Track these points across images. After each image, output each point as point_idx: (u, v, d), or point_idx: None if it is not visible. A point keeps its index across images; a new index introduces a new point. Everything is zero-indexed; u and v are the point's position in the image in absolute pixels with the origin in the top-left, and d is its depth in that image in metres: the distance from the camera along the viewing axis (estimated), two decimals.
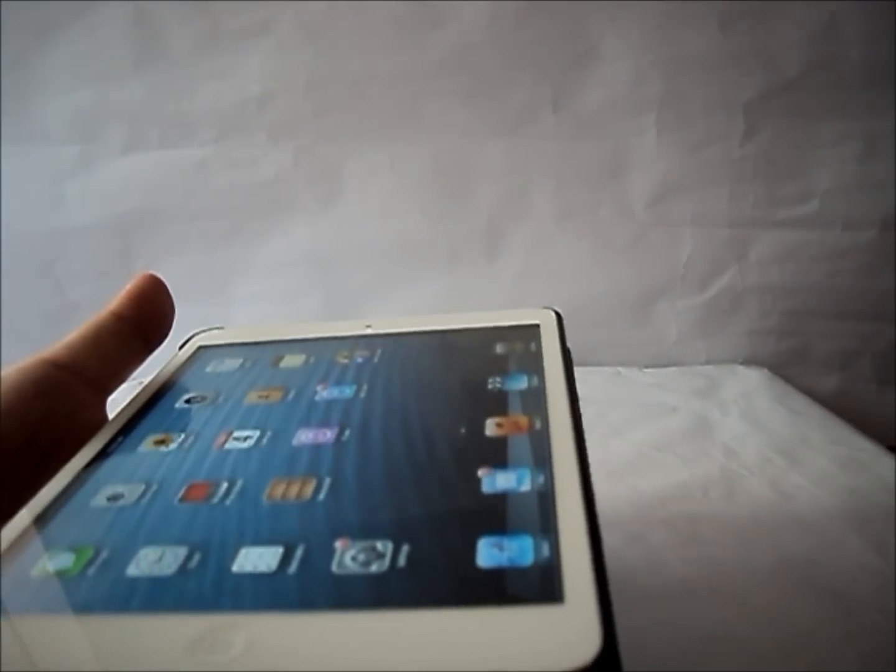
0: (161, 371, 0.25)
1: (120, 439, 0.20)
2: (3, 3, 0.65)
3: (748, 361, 0.71)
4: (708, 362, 0.71)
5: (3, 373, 0.20)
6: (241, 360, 0.25)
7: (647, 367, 0.70)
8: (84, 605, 0.14)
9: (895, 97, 0.64)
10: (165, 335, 0.24)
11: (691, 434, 0.52)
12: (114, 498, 0.18)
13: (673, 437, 0.51)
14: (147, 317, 0.24)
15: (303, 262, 0.73)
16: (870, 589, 0.33)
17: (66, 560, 0.15)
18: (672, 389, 0.63)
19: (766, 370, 0.68)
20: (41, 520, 0.17)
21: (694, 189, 0.68)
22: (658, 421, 0.55)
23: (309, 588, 0.14)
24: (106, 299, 0.24)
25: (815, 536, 0.38)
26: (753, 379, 0.65)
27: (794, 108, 0.66)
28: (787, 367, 0.70)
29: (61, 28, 0.66)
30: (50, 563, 0.15)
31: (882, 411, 0.70)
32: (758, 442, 0.50)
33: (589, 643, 0.11)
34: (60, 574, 0.15)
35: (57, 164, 0.70)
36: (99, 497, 0.18)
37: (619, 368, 0.69)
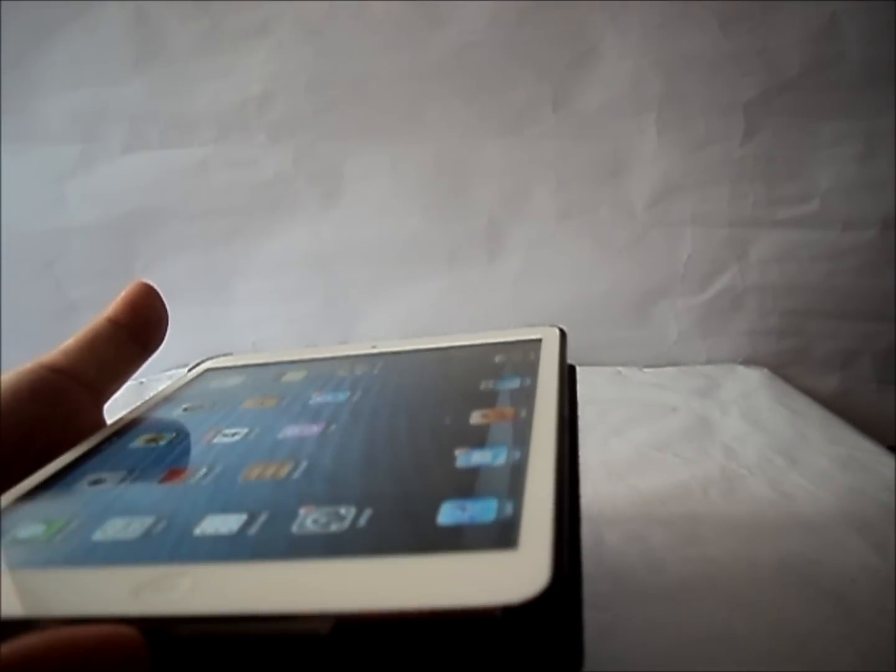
0: (166, 386, 0.25)
1: (113, 439, 0.21)
2: (3, 3, 0.65)
3: (748, 361, 0.71)
4: (708, 362, 0.71)
5: (1, 377, 0.20)
6: (244, 378, 0.26)
7: (647, 366, 0.70)
8: (42, 562, 0.14)
9: (895, 97, 0.64)
10: (161, 340, 0.25)
11: (691, 434, 0.52)
12: (95, 482, 0.18)
13: (673, 437, 0.51)
14: (142, 322, 0.24)
15: (303, 262, 0.73)
16: (870, 589, 0.33)
17: (36, 530, 0.15)
18: (672, 389, 0.63)
19: (766, 370, 0.68)
20: (21, 501, 0.17)
21: (694, 189, 0.68)
22: (658, 421, 0.55)
23: (266, 544, 0.14)
24: (106, 299, 0.24)
25: (814, 536, 0.38)
26: (753, 379, 0.65)
27: (794, 108, 0.66)
28: (787, 367, 0.70)
29: (61, 28, 0.66)
30: (21, 532, 0.15)
31: (882, 411, 0.70)
32: (758, 442, 0.50)
33: (536, 581, 0.11)
34: (29, 540, 0.15)
35: (57, 164, 0.70)
36: (81, 482, 0.18)
37: (619, 368, 0.69)
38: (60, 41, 0.66)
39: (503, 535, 0.13)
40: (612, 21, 0.65)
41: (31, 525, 0.15)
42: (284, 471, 0.17)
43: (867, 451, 0.49)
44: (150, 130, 0.69)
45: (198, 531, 0.15)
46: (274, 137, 0.69)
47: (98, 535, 0.15)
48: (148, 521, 0.15)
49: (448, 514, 0.14)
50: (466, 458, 0.16)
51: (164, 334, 0.25)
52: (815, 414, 0.58)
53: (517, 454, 0.16)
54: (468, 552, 0.13)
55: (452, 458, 0.17)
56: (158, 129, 0.69)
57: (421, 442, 0.18)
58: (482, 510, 0.14)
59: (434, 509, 0.14)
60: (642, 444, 0.50)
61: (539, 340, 0.25)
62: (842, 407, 0.61)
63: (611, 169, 0.69)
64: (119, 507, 0.16)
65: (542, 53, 0.66)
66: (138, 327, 0.24)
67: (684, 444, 0.50)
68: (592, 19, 0.65)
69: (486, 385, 0.21)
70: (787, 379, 0.67)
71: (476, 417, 0.19)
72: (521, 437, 0.17)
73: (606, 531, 0.36)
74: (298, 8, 0.66)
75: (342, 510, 0.14)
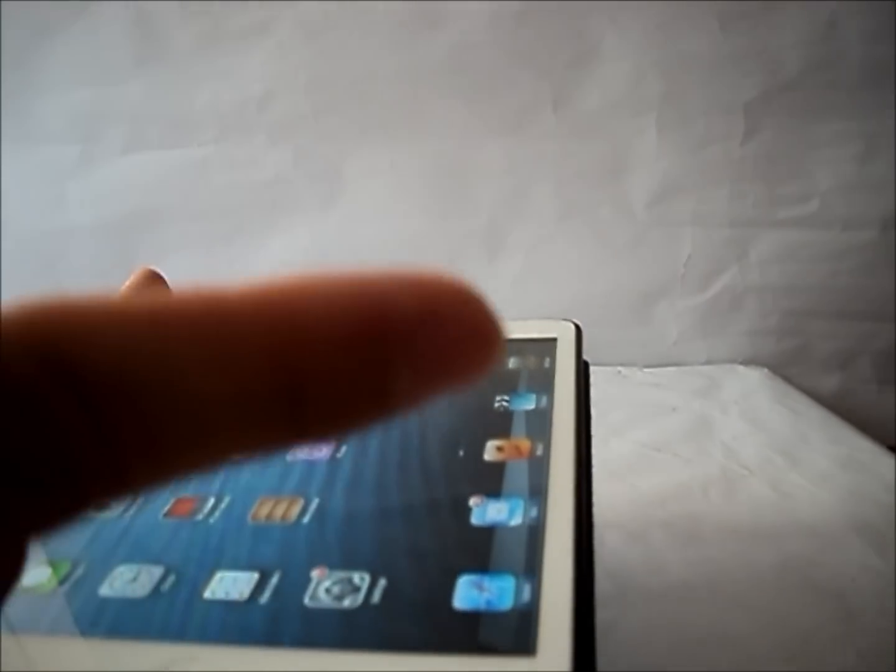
0: None
1: None
2: (3, 3, 0.65)
3: (748, 361, 0.71)
4: (708, 362, 0.71)
5: None
6: None
7: (647, 366, 0.70)
8: (53, 626, 0.14)
9: (895, 97, 0.64)
10: None
11: (691, 434, 0.52)
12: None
13: (673, 437, 0.51)
14: None
15: (303, 263, 0.73)
16: (870, 589, 0.33)
17: (42, 575, 0.15)
18: (672, 389, 0.63)
19: (766, 370, 0.68)
20: None
21: (694, 189, 0.68)
22: (658, 421, 0.55)
23: (278, 621, 0.13)
24: None
25: (814, 536, 0.38)
26: (753, 379, 0.65)
27: (794, 108, 0.66)
28: (787, 367, 0.70)
29: (61, 28, 0.66)
30: (26, 577, 0.15)
31: (882, 411, 0.70)
32: (758, 442, 0.50)
33: None
34: (35, 590, 0.15)
35: (57, 164, 0.70)
36: None
37: (620, 368, 0.69)
38: (60, 41, 0.66)
39: (521, 635, 0.12)
40: (612, 21, 0.65)
41: (36, 567, 0.15)
42: (294, 512, 0.17)
43: (867, 451, 0.49)
44: (150, 130, 0.69)
45: (208, 593, 0.14)
46: (274, 137, 0.69)
47: (106, 590, 0.14)
48: (156, 573, 0.15)
49: (464, 594, 0.13)
50: (481, 512, 0.16)
51: None
52: (815, 414, 0.58)
53: (533, 511, 0.16)
54: (485, 655, 0.12)
55: (467, 511, 0.16)
56: (158, 129, 0.69)
57: (435, 483, 0.18)
58: (499, 593, 0.13)
59: (450, 585, 0.14)
60: (642, 444, 0.50)
61: (554, 340, 0.24)
62: (842, 407, 0.61)
63: (611, 169, 0.69)
64: (125, 549, 0.16)
65: (542, 53, 0.66)
66: None
67: (684, 444, 0.50)
68: (592, 19, 0.65)
69: (500, 403, 0.21)
70: (787, 379, 0.67)
71: (490, 451, 0.18)
72: (537, 485, 0.17)
73: (606, 532, 0.36)
74: (298, 8, 0.66)
75: (356, 578, 0.14)
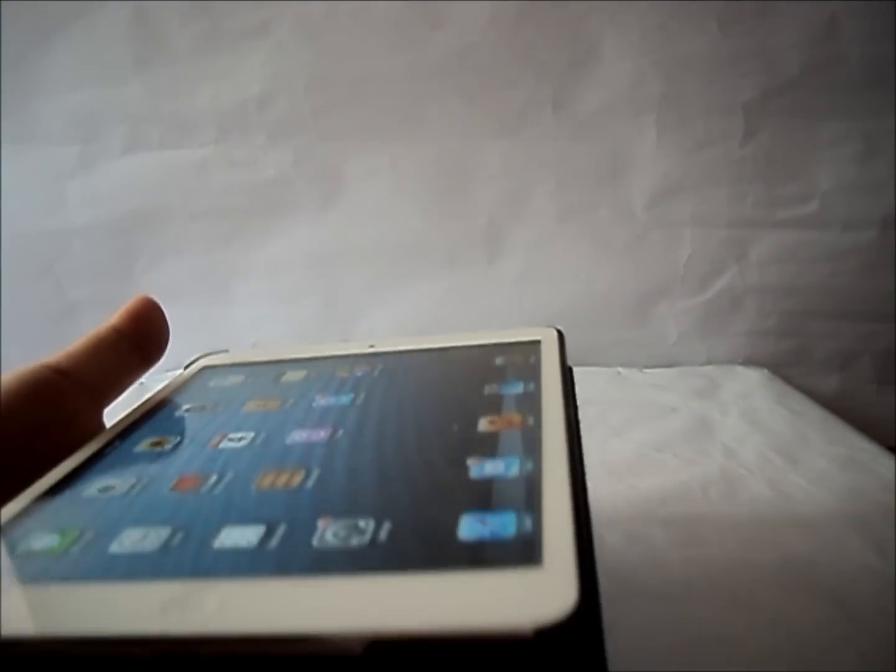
0: (164, 386, 0.25)
1: (117, 443, 0.21)
2: (3, 3, 0.65)
3: (748, 361, 0.71)
4: (708, 362, 0.71)
5: (3, 377, 0.20)
6: (243, 377, 0.26)
7: (647, 367, 0.70)
8: (63, 577, 0.14)
9: (895, 97, 0.64)
10: (162, 352, 0.25)
11: (691, 434, 0.52)
12: (105, 490, 0.18)
13: (673, 438, 0.51)
14: (144, 334, 0.25)
15: (303, 263, 0.73)
16: (870, 589, 0.33)
17: (51, 541, 0.15)
18: (672, 390, 0.63)
19: (766, 370, 0.68)
20: (30, 508, 0.17)
21: (694, 189, 0.68)
22: (658, 421, 0.55)
23: (286, 558, 0.14)
24: (106, 300, 0.24)
25: (814, 536, 0.38)
26: (753, 379, 0.65)
27: (794, 108, 0.66)
28: (787, 367, 0.70)
29: (61, 28, 0.66)
30: (35, 543, 0.15)
31: (882, 411, 0.70)
32: (757, 442, 0.50)
33: (564, 600, 0.11)
34: (44, 552, 0.15)
35: (57, 164, 0.70)
36: (90, 489, 0.18)
37: (619, 368, 0.69)
38: (60, 41, 0.67)
39: (527, 551, 0.13)
40: (612, 22, 0.65)
41: (44, 536, 0.15)
42: (297, 479, 0.17)
43: (867, 451, 0.49)
44: (150, 131, 0.69)
45: (217, 544, 0.14)
46: (274, 137, 0.69)
47: (115, 548, 0.15)
48: (164, 532, 0.15)
49: (468, 528, 0.14)
50: (479, 468, 0.16)
51: (165, 347, 0.25)
52: (815, 414, 0.58)
53: (529, 465, 0.16)
54: (494, 569, 0.13)
55: (465, 469, 0.16)
56: (158, 130, 0.69)
57: (431, 450, 0.18)
58: (502, 524, 0.14)
59: (454, 523, 0.14)
60: (642, 444, 0.50)
61: (538, 342, 0.25)
62: (842, 407, 0.61)
63: (610, 170, 0.69)
64: (133, 517, 0.16)
65: (542, 54, 0.66)
66: (141, 338, 0.24)
67: (684, 445, 0.50)
68: (592, 20, 0.65)
69: (490, 389, 0.21)
70: (787, 379, 0.67)
71: (484, 424, 0.19)
72: (532, 446, 0.17)
73: (606, 531, 0.36)
74: (298, 8, 0.66)
75: (361, 523, 0.14)
